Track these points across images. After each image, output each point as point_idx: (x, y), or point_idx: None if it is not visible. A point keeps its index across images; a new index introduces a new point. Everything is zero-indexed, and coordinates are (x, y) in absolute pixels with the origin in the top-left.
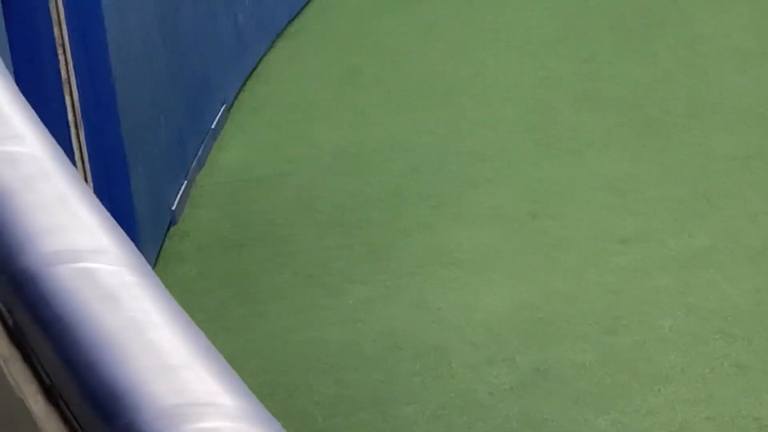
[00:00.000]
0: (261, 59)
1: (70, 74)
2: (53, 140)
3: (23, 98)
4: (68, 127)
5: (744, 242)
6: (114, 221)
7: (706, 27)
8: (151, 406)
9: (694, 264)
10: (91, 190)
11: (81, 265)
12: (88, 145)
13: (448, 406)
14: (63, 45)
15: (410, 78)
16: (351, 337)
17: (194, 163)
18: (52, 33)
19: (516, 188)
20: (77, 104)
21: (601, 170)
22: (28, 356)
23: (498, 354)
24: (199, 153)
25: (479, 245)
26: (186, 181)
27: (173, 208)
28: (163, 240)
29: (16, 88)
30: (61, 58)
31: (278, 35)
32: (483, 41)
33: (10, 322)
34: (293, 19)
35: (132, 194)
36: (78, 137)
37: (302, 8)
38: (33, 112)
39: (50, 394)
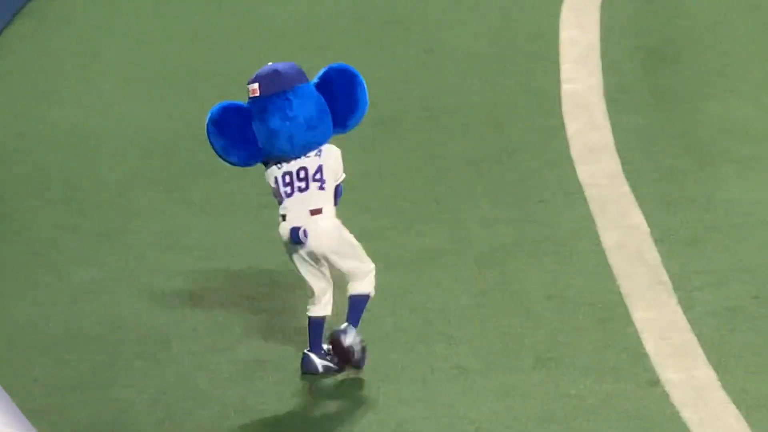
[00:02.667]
0: (0, 33)
1: None
2: None
3: None
4: None
5: (471, 245)
6: None
7: (446, 31)
8: None
9: (421, 264)
10: None
11: None
12: None
13: (168, 391)
14: None
15: (151, 65)
16: (75, 317)
17: None
18: None
19: (248, 179)
20: None
21: None
22: None
23: (220, 342)
24: None
25: (208, 232)
26: None
27: None
28: None
29: None
30: None
31: (19, 11)
32: (228, 31)
33: None
34: None
35: None
36: None
37: None
38: None
39: None
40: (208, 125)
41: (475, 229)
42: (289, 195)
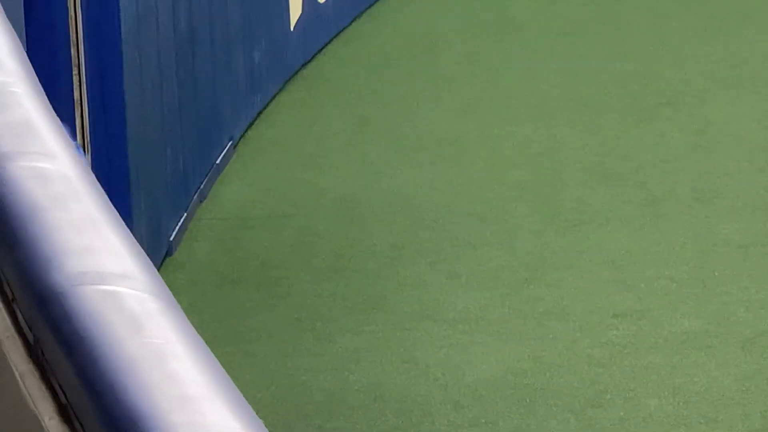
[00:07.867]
0: (272, 99)
1: (83, 96)
2: (85, 161)
3: (56, 117)
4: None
5: (736, 329)
6: (140, 247)
7: (718, 112)
8: None
9: (685, 346)
10: (118, 215)
11: (107, 287)
12: (93, 168)
13: None
14: (78, 66)
15: (419, 133)
16: (336, 385)
17: (196, 196)
18: (69, 53)
19: (514, 253)
20: (87, 126)
21: (600, 243)
22: (45, 373)
23: (481, 416)
24: (202, 186)
25: (473, 306)
26: (186, 214)
27: (171, 239)
28: (158, 270)
29: (50, 107)
30: (75, 79)
31: (291, 77)
32: (494, 103)
33: (31, 338)
34: (307, 63)
35: (132, 221)
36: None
37: (317, 53)
38: (66, 131)
39: (65, 412)
40: None
41: (740, 312)
42: None
